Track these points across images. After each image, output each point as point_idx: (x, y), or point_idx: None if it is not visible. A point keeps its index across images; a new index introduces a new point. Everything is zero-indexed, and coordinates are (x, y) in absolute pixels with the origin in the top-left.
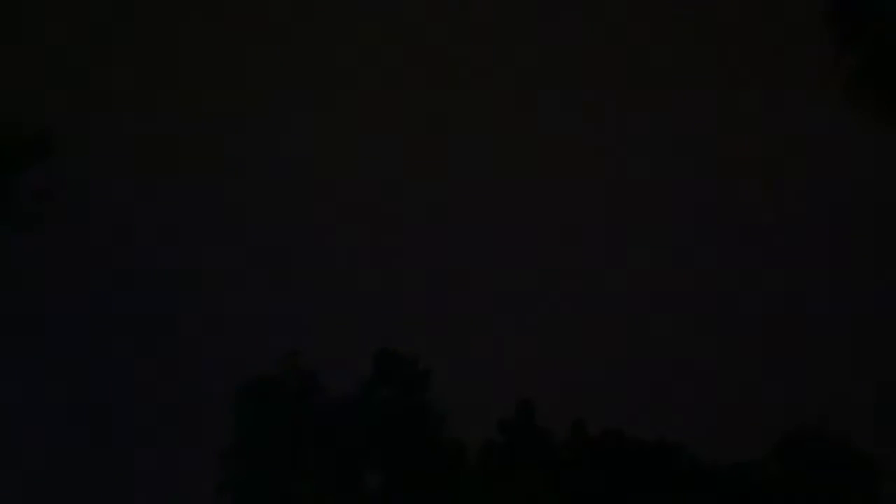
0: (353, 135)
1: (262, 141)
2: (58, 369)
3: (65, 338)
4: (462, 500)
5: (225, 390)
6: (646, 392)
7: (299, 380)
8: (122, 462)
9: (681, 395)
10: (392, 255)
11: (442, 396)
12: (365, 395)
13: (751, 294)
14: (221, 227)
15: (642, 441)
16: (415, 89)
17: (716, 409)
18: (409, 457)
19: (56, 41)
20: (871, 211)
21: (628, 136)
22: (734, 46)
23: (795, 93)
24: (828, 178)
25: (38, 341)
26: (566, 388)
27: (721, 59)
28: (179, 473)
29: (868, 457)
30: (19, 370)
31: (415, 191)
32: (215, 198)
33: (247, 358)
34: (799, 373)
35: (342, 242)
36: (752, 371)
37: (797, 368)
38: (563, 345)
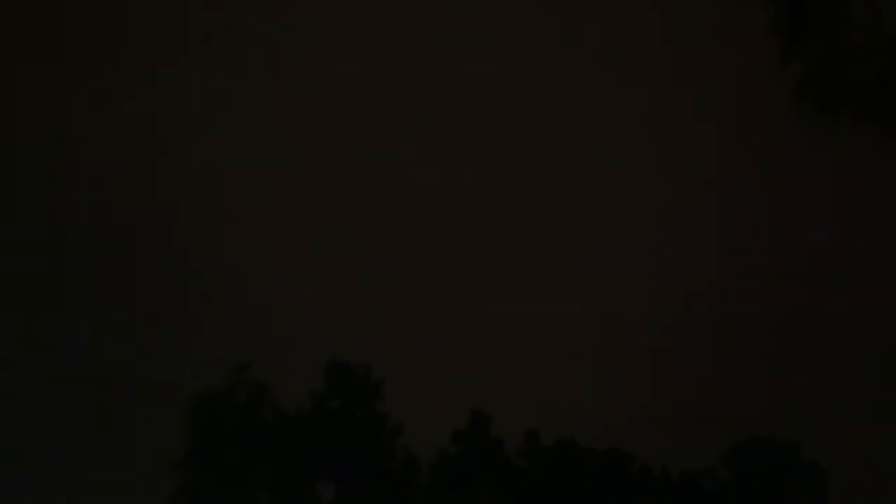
0: (302, 149)
1: (220, 154)
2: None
3: (14, 339)
4: None
5: (176, 402)
6: (598, 401)
7: (250, 392)
8: (73, 472)
9: (632, 404)
10: (342, 265)
11: (394, 407)
12: (317, 407)
13: (701, 300)
14: (175, 240)
15: (595, 450)
16: (372, 102)
17: (667, 418)
18: (362, 468)
19: (11, 37)
20: (818, 216)
21: (607, 143)
22: (681, 53)
23: (743, 98)
24: (778, 181)
25: None
26: (519, 399)
27: (669, 65)
28: (132, 485)
29: (817, 464)
30: None
31: (364, 201)
32: (169, 208)
33: (198, 370)
34: (750, 380)
35: (293, 254)
36: (704, 379)
37: (748, 376)
38: (515, 355)
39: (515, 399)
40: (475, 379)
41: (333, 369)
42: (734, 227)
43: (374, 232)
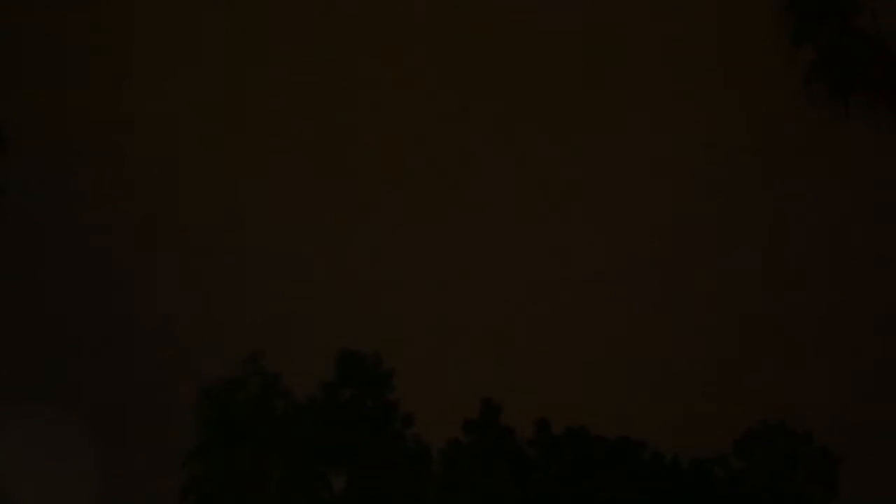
0: (311, 139)
1: (222, 145)
2: (10, 370)
3: (17, 337)
4: (427, 501)
5: (188, 392)
6: (608, 390)
7: (262, 381)
8: (83, 465)
9: (642, 392)
10: (354, 255)
11: (406, 397)
12: (328, 397)
13: (712, 291)
14: (183, 230)
15: (605, 438)
16: (373, 102)
17: (678, 406)
18: (374, 457)
19: (9, 39)
20: (827, 203)
21: (608, 138)
22: (691, 40)
23: (752, 85)
24: (785, 170)
25: None
26: (530, 388)
27: (678, 53)
28: (142, 476)
29: (829, 451)
30: None
31: (375, 192)
32: (176, 201)
33: (210, 360)
34: (762, 368)
35: (304, 244)
36: (715, 367)
37: (759, 364)
38: (526, 344)
39: (526, 388)
40: (486, 368)
41: (344, 359)
42: (741, 215)
43: (385, 223)
